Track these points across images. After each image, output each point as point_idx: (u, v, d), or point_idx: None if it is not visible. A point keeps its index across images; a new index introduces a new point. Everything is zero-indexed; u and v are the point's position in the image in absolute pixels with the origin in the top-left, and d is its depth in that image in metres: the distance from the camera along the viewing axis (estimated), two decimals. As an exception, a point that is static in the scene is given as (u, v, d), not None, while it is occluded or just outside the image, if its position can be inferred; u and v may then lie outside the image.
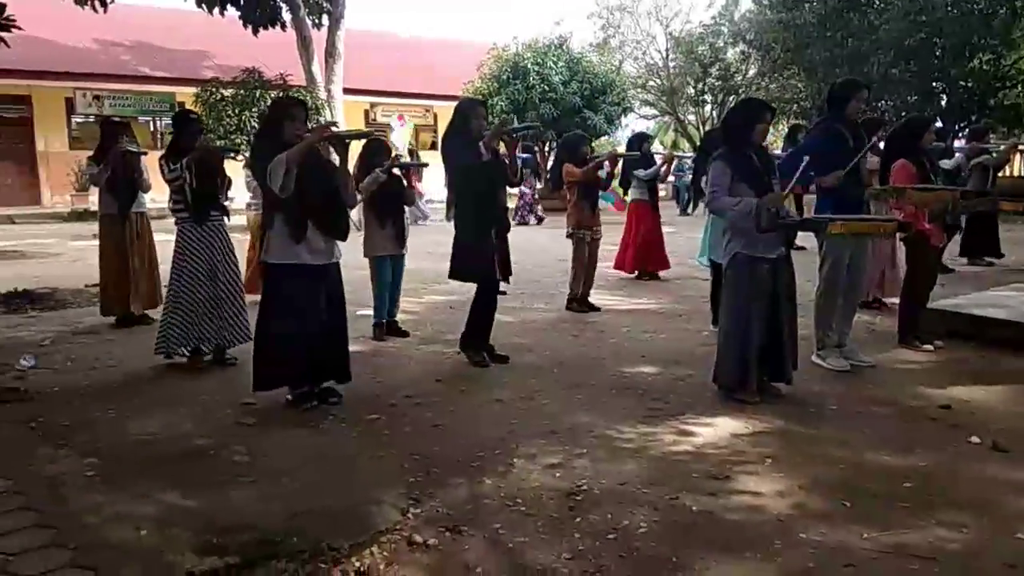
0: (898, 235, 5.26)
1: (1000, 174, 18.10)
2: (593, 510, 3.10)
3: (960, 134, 19.05)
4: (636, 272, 8.96)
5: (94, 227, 6.96)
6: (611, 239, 8.69)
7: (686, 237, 12.12)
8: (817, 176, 5.03)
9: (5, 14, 6.86)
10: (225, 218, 5.44)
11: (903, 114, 15.61)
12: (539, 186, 21.01)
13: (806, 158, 4.47)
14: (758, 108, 4.62)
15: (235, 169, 6.23)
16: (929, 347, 5.49)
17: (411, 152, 18.14)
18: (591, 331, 6.33)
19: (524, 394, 4.63)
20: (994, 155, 9.01)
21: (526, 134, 12.71)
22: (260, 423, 4.17)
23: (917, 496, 3.19)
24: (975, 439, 3.81)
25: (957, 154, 8.52)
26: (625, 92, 21.80)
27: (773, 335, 4.39)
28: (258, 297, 4.52)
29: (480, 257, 5.12)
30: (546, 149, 21.13)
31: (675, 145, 31.78)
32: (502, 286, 5.41)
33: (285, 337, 4.27)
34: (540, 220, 16.69)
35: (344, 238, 4.42)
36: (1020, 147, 11.68)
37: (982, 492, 3.25)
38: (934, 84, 19.18)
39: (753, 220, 4.22)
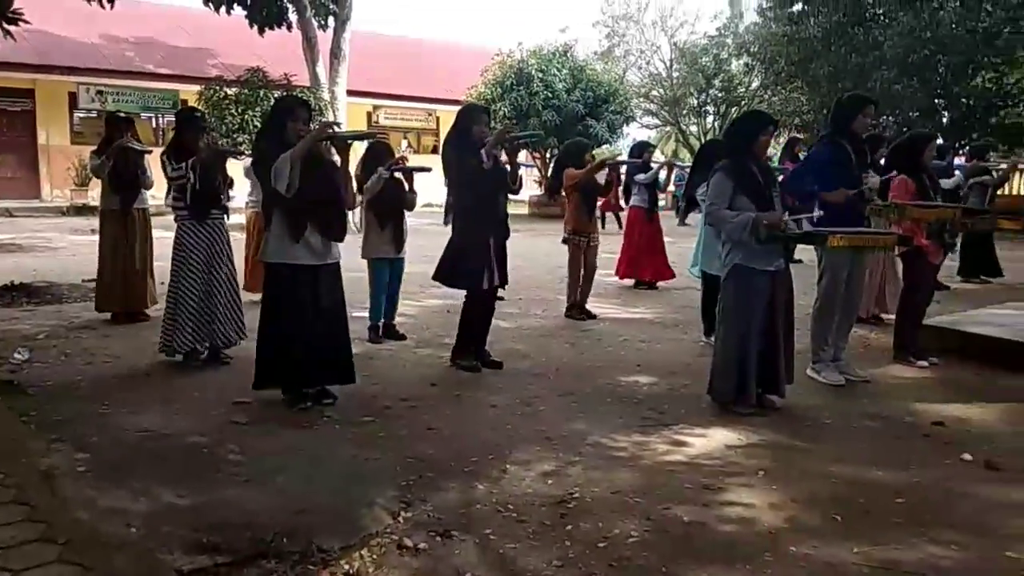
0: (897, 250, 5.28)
1: (1000, 192, 18.17)
2: (585, 518, 3.10)
3: (961, 151, 19.11)
4: (633, 280, 8.96)
5: (93, 222, 6.98)
6: (610, 247, 8.71)
7: (684, 247, 12.11)
8: (821, 191, 5.04)
9: (13, 7, 6.87)
10: (225, 216, 5.45)
11: (905, 130, 15.66)
12: (539, 193, 21.08)
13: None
14: (761, 121, 4.64)
15: (237, 168, 6.24)
16: (924, 363, 5.49)
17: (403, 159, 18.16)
18: (588, 339, 6.34)
19: (519, 400, 4.63)
20: (995, 174, 9.03)
21: (528, 141, 12.73)
22: (254, 422, 4.17)
23: (909, 512, 3.19)
24: (968, 456, 3.81)
25: (957, 172, 8.53)
26: (628, 101, 21.84)
27: (769, 347, 4.40)
28: (258, 296, 4.52)
29: (470, 264, 5.11)
30: (547, 156, 21.16)
31: (675, 155, 31.86)
32: (499, 292, 5.42)
33: (283, 337, 4.30)
34: None
35: (341, 239, 4.43)
36: (1020, 166, 11.72)
37: (974, 510, 3.26)
38: (936, 101, 19.25)
39: (748, 234, 4.23)
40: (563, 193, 7.25)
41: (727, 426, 4.21)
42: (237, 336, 5.36)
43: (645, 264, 8.84)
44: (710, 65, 29.21)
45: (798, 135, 16.74)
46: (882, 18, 19.32)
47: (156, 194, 6.81)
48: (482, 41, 31.75)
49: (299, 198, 4.13)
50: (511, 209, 5.58)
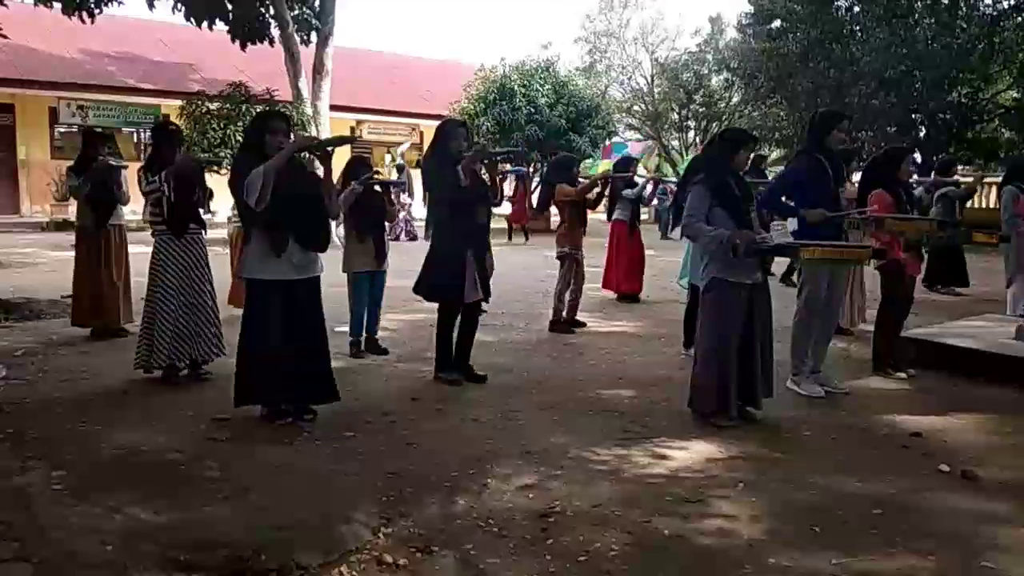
0: (873, 263, 5.34)
1: (976, 206, 18.42)
2: (566, 532, 3.10)
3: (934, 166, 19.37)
4: (616, 293, 9.01)
5: (73, 237, 6.91)
6: (594, 260, 8.74)
7: (666, 260, 12.19)
8: (799, 207, 5.09)
9: (-10, 22, 6.85)
10: (203, 231, 5.42)
11: (882, 144, 15.86)
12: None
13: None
14: (740, 137, 4.70)
15: (218, 182, 6.21)
16: (902, 375, 5.54)
17: (400, 168, 18.14)
18: (569, 352, 6.35)
19: (501, 414, 4.63)
20: (961, 187, 9.18)
21: (510, 158, 12.71)
22: (233, 438, 4.14)
23: (887, 523, 3.22)
24: (945, 467, 3.85)
25: (918, 188, 8.63)
26: (610, 116, 21.98)
27: (748, 360, 4.43)
28: (240, 311, 4.50)
29: (446, 277, 5.11)
30: (530, 171, 21.23)
31: (659, 169, 32.06)
32: (482, 306, 5.42)
33: (262, 352, 4.27)
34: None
35: (323, 249, 4.41)
36: (987, 179, 11.88)
37: (950, 520, 3.29)
38: (913, 116, 19.53)
39: (724, 248, 4.27)
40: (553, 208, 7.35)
41: (708, 439, 4.23)
42: (217, 352, 5.32)
43: (624, 276, 8.89)
44: (691, 80, 29.51)
45: (763, 152, 17.02)
46: (859, 34, 19.61)
47: (136, 208, 6.78)
48: (465, 57, 31.92)
49: (281, 210, 4.11)
50: (492, 223, 5.57)
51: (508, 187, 8.49)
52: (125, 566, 2.77)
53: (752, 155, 6.72)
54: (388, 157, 20.70)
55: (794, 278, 8.04)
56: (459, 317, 5.28)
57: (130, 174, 6.45)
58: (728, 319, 4.40)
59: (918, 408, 4.88)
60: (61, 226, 16.74)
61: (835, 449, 4.14)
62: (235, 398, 4.36)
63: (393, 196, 6.33)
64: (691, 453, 4.03)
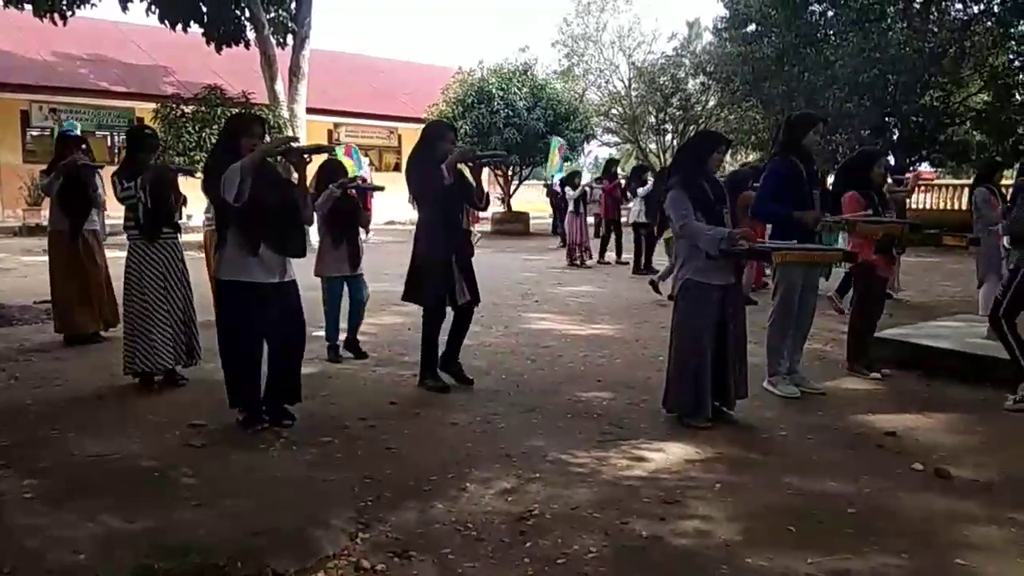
0: (845, 265, 5.40)
1: (949, 207, 18.68)
2: (544, 535, 3.10)
3: (912, 167, 19.63)
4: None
5: (45, 242, 6.81)
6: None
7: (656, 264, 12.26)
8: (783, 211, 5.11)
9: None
10: (178, 235, 5.37)
11: (856, 147, 16.05)
12: (503, 210, 21.16)
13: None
14: (713, 140, 4.74)
15: (192, 186, 6.15)
16: (876, 375, 5.60)
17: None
18: (548, 355, 6.36)
19: (480, 417, 4.63)
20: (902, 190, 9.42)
21: (491, 161, 12.89)
22: (209, 444, 4.10)
23: (861, 522, 3.25)
24: (919, 466, 3.89)
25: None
26: (588, 119, 22.06)
27: (720, 361, 4.46)
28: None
29: (433, 280, 5.10)
30: (510, 174, 21.25)
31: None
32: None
33: (239, 355, 4.24)
34: None
35: (302, 255, 4.39)
36: (924, 177, 12.24)
37: (924, 519, 3.33)
38: (887, 119, 19.78)
39: (723, 246, 4.29)
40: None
41: (684, 440, 4.25)
42: (193, 357, 5.28)
43: None
44: (668, 84, 29.68)
45: (643, 163, 18.31)
46: (833, 39, 19.84)
47: (112, 213, 6.69)
48: (443, 60, 31.85)
49: (254, 214, 4.08)
50: (474, 226, 5.58)
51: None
52: (98, 574, 2.74)
53: (636, 167, 7.12)
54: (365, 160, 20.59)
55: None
56: (452, 318, 5.26)
57: (105, 176, 6.38)
58: (702, 320, 4.43)
59: (892, 408, 4.93)
60: (33, 231, 16.52)
61: (811, 449, 4.18)
62: (229, 400, 4.35)
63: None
64: (668, 455, 4.05)
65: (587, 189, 13.33)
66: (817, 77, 18.96)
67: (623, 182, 13.78)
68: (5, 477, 3.60)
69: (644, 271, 11.57)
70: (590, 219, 15.07)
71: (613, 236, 13.54)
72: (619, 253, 13.54)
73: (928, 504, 3.48)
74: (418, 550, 2.96)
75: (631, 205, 12.29)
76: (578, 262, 12.95)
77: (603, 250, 13.67)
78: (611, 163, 14.77)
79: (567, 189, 13.39)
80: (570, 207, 13.10)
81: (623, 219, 13.44)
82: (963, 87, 20.76)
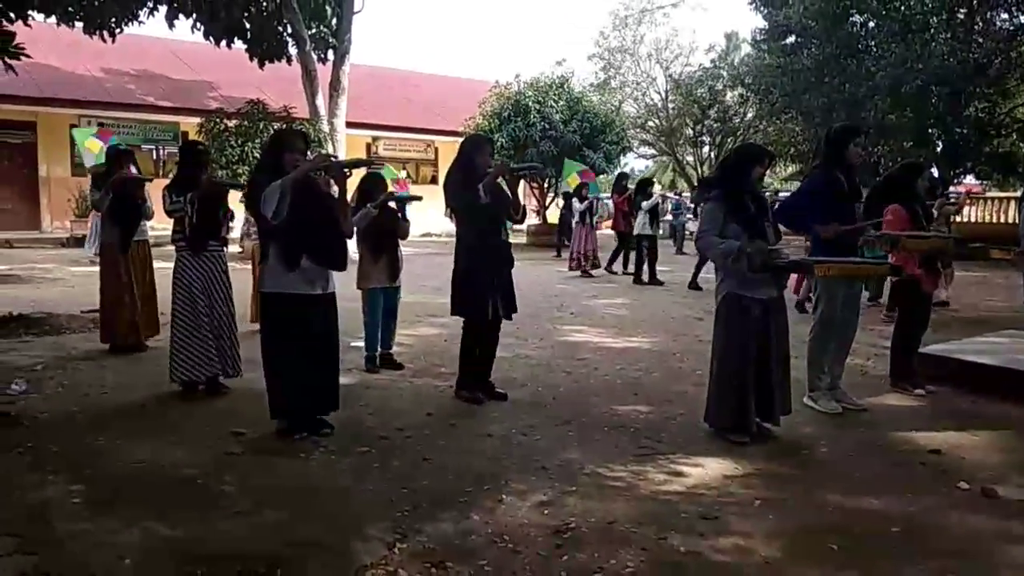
0: (890, 279, 5.30)
1: (998, 221, 18.29)
2: (580, 548, 3.09)
3: (956, 180, 19.27)
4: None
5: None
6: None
7: (680, 276, 12.18)
8: (814, 223, 5.07)
9: (15, 42, 6.94)
10: (224, 249, 5.48)
11: (899, 159, 15.80)
12: (538, 221, 21.19)
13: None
14: (756, 152, 4.70)
15: (233, 198, 6.26)
16: (920, 392, 5.49)
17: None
18: (584, 368, 6.34)
19: (515, 429, 4.63)
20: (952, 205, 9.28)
21: (528, 173, 13.11)
22: (249, 453, 4.16)
23: (905, 541, 3.18)
24: (964, 485, 3.80)
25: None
26: (624, 132, 22.03)
27: (764, 376, 4.41)
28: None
29: (471, 292, 5.12)
30: (545, 186, 21.29)
31: (673, 184, 32.19)
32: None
33: (282, 365, 4.30)
34: None
35: (343, 268, 4.45)
36: (973, 192, 12.04)
37: (970, 539, 3.25)
38: (930, 130, 19.43)
39: (733, 261, 4.26)
40: None
41: (724, 455, 4.21)
42: (234, 367, 5.36)
43: None
44: (705, 96, 29.54)
45: (626, 172, 18.53)
46: (874, 50, 19.59)
47: (156, 225, 6.84)
48: (480, 74, 32.07)
49: (296, 228, 4.15)
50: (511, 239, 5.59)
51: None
52: (142, 580, 2.79)
53: (618, 175, 7.30)
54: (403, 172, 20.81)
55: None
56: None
57: (153, 190, 6.53)
58: (744, 334, 4.38)
59: (937, 425, 4.82)
60: (81, 242, 16.92)
61: (853, 466, 4.11)
62: (271, 411, 4.41)
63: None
64: (707, 470, 4.01)
65: (594, 202, 13.74)
66: (858, 88, 18.73)
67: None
68: (53, 483, 3.68)
69: (649, 281, 12.24)
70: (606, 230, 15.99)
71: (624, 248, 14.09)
72: (625, 264, 13.94)
73: (974, 524, 3.40)
74: (455, 561, 2.97)
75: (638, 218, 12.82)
76: (582, 271, 13.40)
77: (612, 260, 14.10)
78: (622, 177, 15.12)
79: (574, 201, 14.09)
80: (575, 218, 13.78)
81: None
82: (1009, 98, 20.34)
